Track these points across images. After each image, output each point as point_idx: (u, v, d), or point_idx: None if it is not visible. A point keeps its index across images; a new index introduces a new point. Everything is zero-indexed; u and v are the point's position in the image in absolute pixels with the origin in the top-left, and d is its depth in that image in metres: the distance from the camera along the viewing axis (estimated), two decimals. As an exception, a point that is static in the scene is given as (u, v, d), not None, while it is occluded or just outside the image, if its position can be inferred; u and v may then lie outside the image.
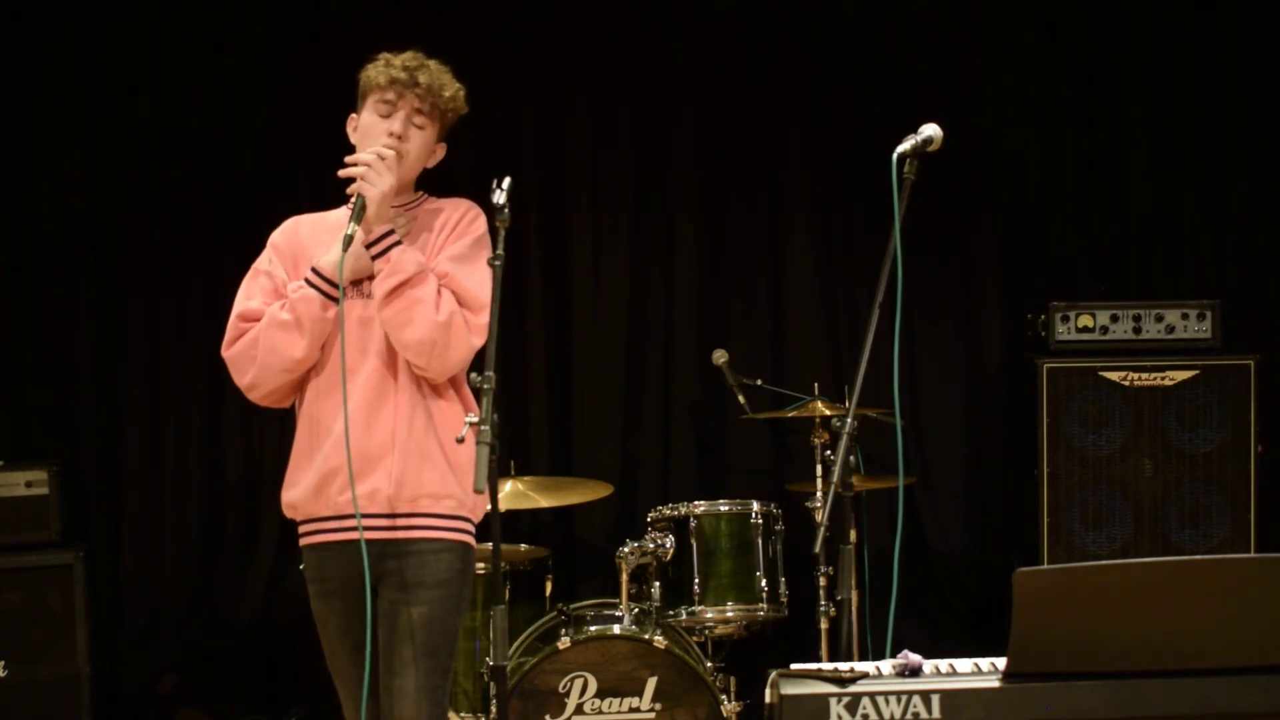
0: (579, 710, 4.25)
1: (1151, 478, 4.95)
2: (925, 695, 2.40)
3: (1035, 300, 5.16)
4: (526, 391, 5.40)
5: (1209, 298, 5.04)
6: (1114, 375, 4.95)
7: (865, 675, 2.44)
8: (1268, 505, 4.96)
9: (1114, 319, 5.01)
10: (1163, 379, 4.94)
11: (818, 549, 3.27)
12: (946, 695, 2.40)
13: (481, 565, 4.20)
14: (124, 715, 5.24)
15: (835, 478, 2.98)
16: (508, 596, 4.42)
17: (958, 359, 5.53)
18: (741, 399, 4.96)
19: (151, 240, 5.38)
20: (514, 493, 4.67)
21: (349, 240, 3.03)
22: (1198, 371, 4.94)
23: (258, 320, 3.15)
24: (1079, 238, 5.51)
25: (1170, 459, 4.95)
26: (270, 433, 5.28)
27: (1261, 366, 4.95)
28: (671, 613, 4.54)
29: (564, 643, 4.24)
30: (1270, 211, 5.45)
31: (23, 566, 4.89)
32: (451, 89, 3.22)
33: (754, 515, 4.61)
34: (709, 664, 4.49)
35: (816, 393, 4.83)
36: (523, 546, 4.92)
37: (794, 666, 2.47)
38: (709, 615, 4.54)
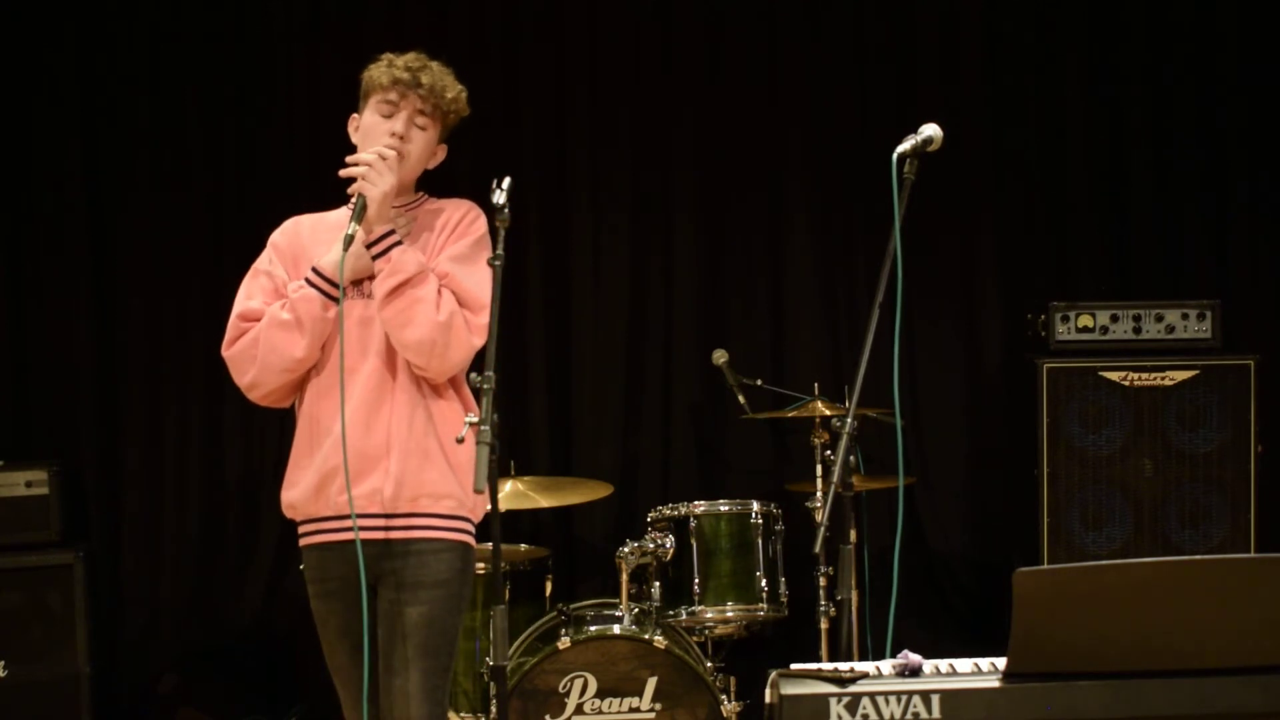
0: (579, 710, 4.25)
1: (1151, 478, 4.95)
2: (925, 695, 2.40)
3: (1035, 300, 5.16)
4: (526, 391, 5.40)
5: (1209, 298, 5.04)
6: (1114, 375, 4.95)
7: (865, 675, 2.44)
8: (1268, 505, 4.96)
9: (1114, 319, 5.01)
10: (1163, 379, 4.94)
11: (818, 549, 3.27)
12: (946, 695, 2.40)
13: (481, 565, 4.20)
14: (124, 715, 5.24)
15: (835, 478, 2.98)
16: (508, 596, 4.42)
17: (958, 359, 5.53)
18: (741, 399, 4.96)
19: (151, 240, 5.38)
20: (514, 493, 4.67)
21: (349, 240, 3.02)
22: (1198, 371, 4.94)
23: (258, 320, 3.15)
24: (1079, 238, 5.51)
25: (1170, 459, 4.95)
26: (270, 433, 5.28)
27: (1261, 366, 4.95)
28: (671, 613, 4.53)
29: (564, 643, 4.24)
30: (1270, 212, 5.45)
31: (23, 566, 4.89)
32: (454, 90, 3.22)
33: (754, 515, 4.61)
34: (709, 664, 4.49)
35: (816, 393, 4.83)
36: (523, 546, 4.91)
37: (794, 666, 2.47)
38: (709, 615, 4.54)
